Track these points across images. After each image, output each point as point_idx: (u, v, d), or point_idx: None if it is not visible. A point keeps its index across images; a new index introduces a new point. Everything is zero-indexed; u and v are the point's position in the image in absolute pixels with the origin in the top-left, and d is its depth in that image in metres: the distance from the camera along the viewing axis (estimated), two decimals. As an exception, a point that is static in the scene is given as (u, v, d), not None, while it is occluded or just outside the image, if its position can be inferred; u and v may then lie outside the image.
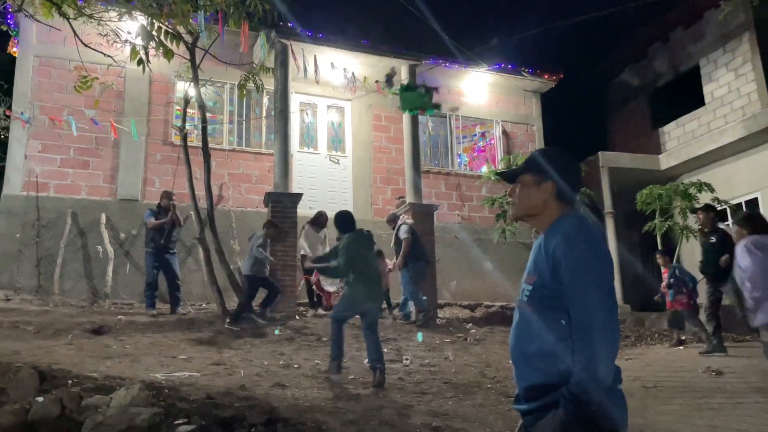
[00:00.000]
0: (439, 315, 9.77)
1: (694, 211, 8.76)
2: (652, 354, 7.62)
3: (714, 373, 6.43)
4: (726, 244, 7.08)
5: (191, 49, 8.76)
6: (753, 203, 12.52)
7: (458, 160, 13.37)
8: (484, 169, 13.29)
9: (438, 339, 8.11)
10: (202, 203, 9.08)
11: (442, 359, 6.97)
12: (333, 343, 5.89)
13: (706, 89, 14.18)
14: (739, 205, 12.57)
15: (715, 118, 13.82)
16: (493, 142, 13.70)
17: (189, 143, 9.41)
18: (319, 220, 9.68)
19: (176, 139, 10.59)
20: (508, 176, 2.08)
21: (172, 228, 9.02)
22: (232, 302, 9.26)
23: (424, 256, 9.01)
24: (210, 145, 9.91)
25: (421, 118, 12.25)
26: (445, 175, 12.91)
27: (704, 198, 10.86)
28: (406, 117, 11.53)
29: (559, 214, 1.92)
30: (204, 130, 9.15)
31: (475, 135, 13.80)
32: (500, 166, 12.83)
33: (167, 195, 9.17)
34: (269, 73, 8.59)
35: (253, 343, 7.35)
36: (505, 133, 13.70)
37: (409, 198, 10.92)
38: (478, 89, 13.49)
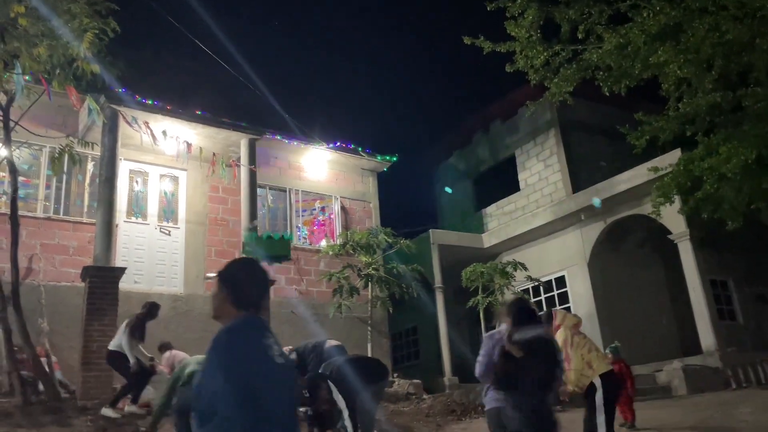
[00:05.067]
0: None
1: None
2: (474, 427, 7.98)
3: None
4: None
5: (5, 109, 8.06)
6: (561, 280, 13.98)
7: (298, 234, 13.42)
8: (323, 243, 13.45)
9: None
10: (7, 276, 8.16)
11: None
12: None
13: (521, 176, 15.87)
14: (549, 282, 13.96)
15: (529, 202, 15.44)
16: (332, 216, 13.99)
17: (-4, 209, 8.49)
18: (152, 312, 8.09)
19: (-21, 204, 9.50)
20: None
21: None
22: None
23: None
24: (21, 212, 9.05)
25: (260, 191, 12.25)
26: (283, 249, 12.80)
27: (519, 276, 11.91)
28: (244, 189, 11.43)
29: (233, 319, 2.12)
30: (15, 195, 8.33)
31: (315, 209, 14.02)
32: (338, 241, 13.08)
33: None
34: (88, 147, 8.12)
35: (56, 439, 6.57)
36: (343, 208, 14.08)
37: (245, 272, 10.67)
38: (318, 165, 13.82)
